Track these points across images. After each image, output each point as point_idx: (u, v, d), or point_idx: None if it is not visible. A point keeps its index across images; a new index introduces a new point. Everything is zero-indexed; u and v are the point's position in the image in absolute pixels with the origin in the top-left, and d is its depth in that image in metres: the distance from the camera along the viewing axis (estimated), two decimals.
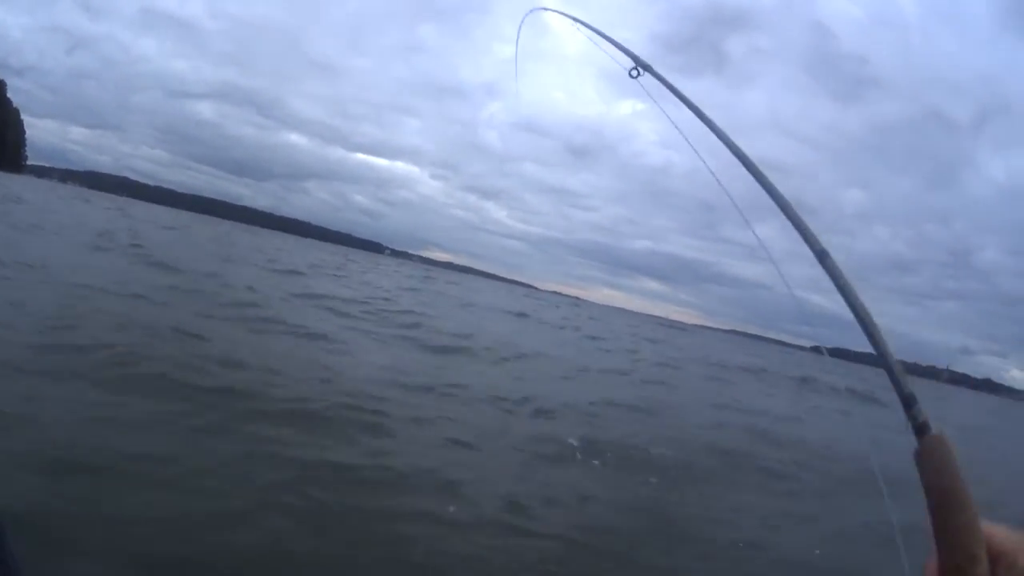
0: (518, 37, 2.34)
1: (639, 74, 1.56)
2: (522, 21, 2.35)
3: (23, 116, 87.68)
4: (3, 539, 0.75)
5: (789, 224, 0.74)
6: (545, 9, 2.43)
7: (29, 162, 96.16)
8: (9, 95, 78.72)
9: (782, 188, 0.76)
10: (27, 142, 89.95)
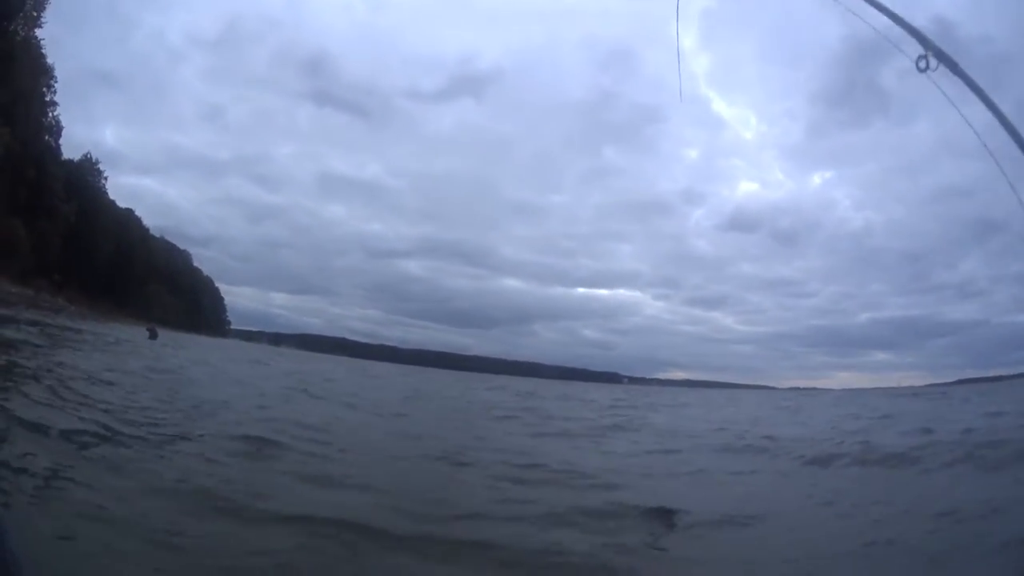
0: (677, 22, 2.48)
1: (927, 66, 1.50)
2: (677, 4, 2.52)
3: (218, 284, 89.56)
4: (3, 539, 0.72)
5: None
6: None
7: (235, 327, 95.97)
8: (197, 264, 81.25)
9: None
10: (228, 308, 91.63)
